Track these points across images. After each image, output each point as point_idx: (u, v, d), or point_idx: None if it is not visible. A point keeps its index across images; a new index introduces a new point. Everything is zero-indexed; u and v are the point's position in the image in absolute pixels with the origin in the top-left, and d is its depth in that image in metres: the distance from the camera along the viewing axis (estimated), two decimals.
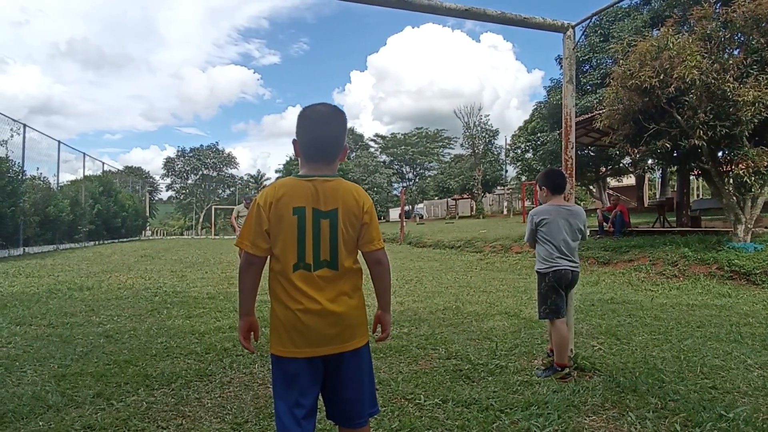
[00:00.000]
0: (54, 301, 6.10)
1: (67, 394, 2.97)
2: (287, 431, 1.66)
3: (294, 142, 1.80)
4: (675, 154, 10.04)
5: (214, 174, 62.31)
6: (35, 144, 15.79)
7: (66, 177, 21.02)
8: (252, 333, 1.84)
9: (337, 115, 1.78)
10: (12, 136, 13.51)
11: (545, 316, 3.51)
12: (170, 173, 61.91)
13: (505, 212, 38.56)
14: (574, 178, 3.68)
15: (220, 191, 63.63)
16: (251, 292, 1.79)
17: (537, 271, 3.56)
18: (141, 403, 2.86)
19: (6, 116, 13.59)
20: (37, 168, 16.16)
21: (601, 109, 11.09)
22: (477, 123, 43.77)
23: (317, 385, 1.73)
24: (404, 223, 23.14)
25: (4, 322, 4.86)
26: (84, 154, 21.46)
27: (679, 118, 8.53)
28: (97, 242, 20.10)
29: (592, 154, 20.83)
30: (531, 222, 3.58)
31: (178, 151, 63.20)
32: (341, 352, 1.71)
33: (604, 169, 22.76)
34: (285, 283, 1.70)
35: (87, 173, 21.73)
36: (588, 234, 3.71)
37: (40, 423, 2.59)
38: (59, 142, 18.03)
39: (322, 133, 1.75)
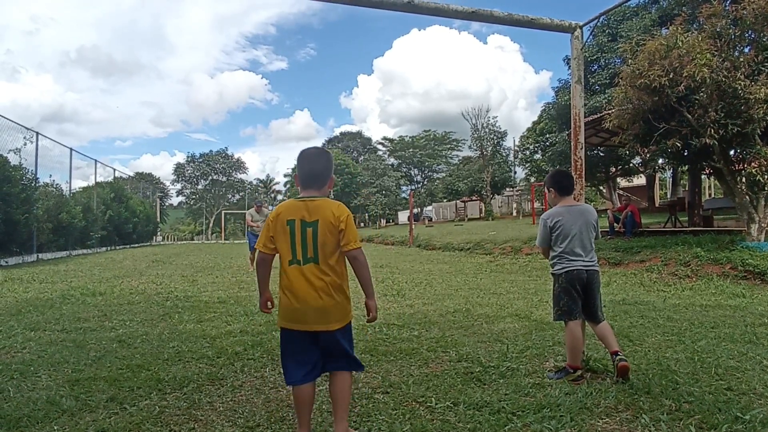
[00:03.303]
0: (67, 307, 6.16)
1: (80, 398, 3.00)
2: (291, 377, 2.35)
3: (295, 176, 2.54)
4: (686, 154, 9.96)
5: (224, 179, 62.73)
6: (48, 152, 16.10)
7: (78, 184, 21.36)
8: (269, 303, 2.50)
9: (322, 155, 2.52)
10: (25, 144, 13.71)
11: (558, 317, 3.49)
12: (180, 179, 62.47)
13: (514, 214, 38.37)
14: (583, 179, 3.66)
15: (230, 196, 64.02)
16: (265, 279, 2.47)
17: (551, 273, 3.55)
18: (154, 407, 2.88)
19: (19, 125, 13.81)
20: (50, 175, 16.49)
21: (611, 109, 11.03)
22: (485, 125, 43.67)
23: (313, 348, 2.35)
24: (413, 226, 23.12)
25: (19, 327, 4.92)
26: (95, 161, 21.74)
27: (690, 116, 8.45)
28: (108, 248, 20.30)
29: (601, 154, 20.69)
30: (544, 226, 3.53)
31: (187, 156, 63.86)
32: (324, 330, 2.31)
33: (614, 169, 22.59)
34: (285, 276, 2.35)
35: (98, 180, 22.05)
36: (600, 234, 3.68)
37: (55, 427, 2.61)
38: (71, 149, 18.30)
39: (311, 167, 2.44)
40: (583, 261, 3.41)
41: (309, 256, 2.29)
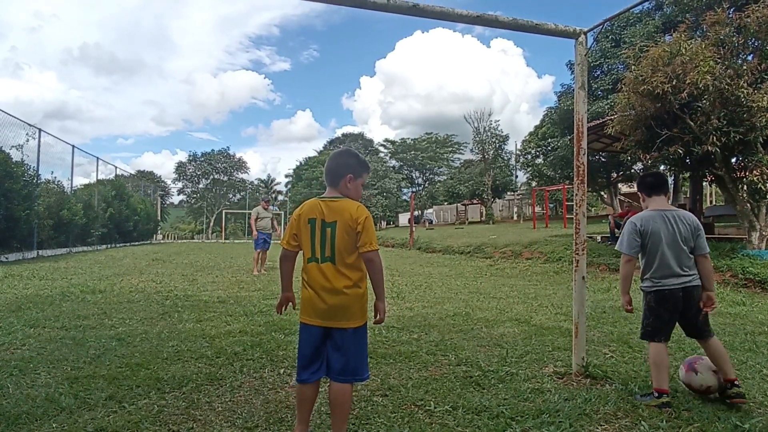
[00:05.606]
0: (67, 304, 6.16)
1: (79, 396, 3.00)
2: (301, 375, 2.39)
3: None
4: (688, 161, 9.93)
5: (225, 178, 62.61)
6: (50, 148, 15.99)
7: (79, 181, 21.24)
8: (290, 303, 2.58)
9: (341, 153, 2.62)
10: (27, 140, 13.65)
11: (642, 336, 3.17)
12: (182, 178, 62.35)
13: (515, 218, 38.37)
14: (585, 184, 3.65)
15: (231, 196, 63.88)
16: (288, 275, 2.54)
17: (640, 288, 3.18)
18: (152, 407, 2.88)
19: (22, 121, 13.80)
20: (52, 172, 16.44)
21: (613, 114, 11.03)
22: (487, 128, 43.58)
23: (326, 345, 2.40)
24: (414, 228, 23.11)
25: (19, 324, 4.92)
26: (97, 158, 21.72)
27: (692, 123, 8.45)
28: (109, 245, 20.30)
29: (603, 159, 20.69)
30: (633, 230, 3.07)
31: (189, 155, 63.72)
32: (338, 327, 2.37)
33: (616, 174, 22.57)
34: (306, 272, 2.43)
35: (100, 177, 22.01)
36: (705, 244, 3.13)
37: (54, 425, 2.61)
38: (73, 146, 18.29)
39: (327, 165, 2.54)
40: (678, 278, 2.99)
41: (327, 255, 2.38)
